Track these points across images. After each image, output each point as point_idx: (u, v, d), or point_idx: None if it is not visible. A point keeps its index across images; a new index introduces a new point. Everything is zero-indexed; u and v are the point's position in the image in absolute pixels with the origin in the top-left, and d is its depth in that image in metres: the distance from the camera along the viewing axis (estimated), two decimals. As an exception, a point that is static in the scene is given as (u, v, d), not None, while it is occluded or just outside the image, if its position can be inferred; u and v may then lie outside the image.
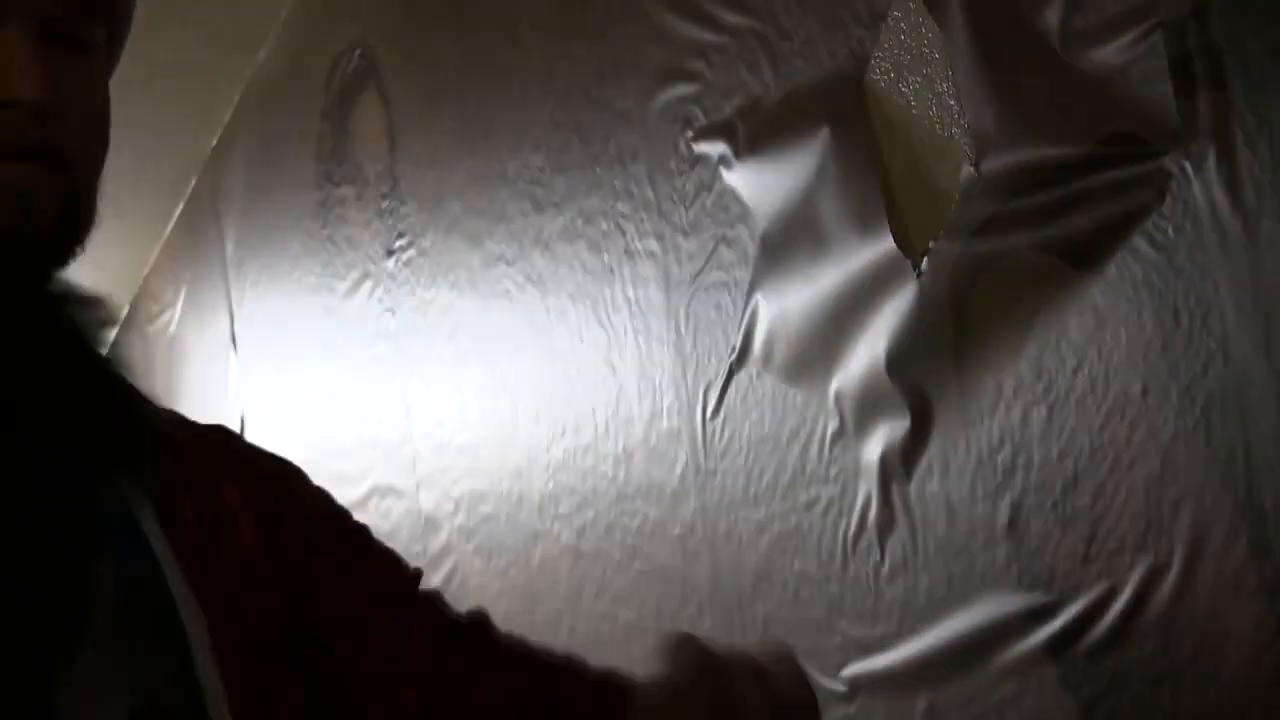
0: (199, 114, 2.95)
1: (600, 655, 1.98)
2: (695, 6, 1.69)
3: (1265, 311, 1.12)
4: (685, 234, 1.74)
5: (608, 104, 1.92)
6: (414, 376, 2.51)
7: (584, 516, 1.99)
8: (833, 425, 1.49)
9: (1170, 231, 1.19)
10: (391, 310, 2.60)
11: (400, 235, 2.57)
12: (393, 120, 2.60)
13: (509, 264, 2.16)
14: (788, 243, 1.55)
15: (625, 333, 1.90)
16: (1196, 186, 1.16)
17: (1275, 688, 1.10)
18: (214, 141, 3.43)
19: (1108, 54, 1.21)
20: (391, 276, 2.60)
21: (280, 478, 1.15)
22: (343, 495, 2.66)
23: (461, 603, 2.22)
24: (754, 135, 1.60)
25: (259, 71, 3.20)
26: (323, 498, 1.17)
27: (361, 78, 2.71)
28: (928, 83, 1.38)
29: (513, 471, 2.16)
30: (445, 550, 2.34)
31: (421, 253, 2.46)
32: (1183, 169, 1.17)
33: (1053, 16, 1.25)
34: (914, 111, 1.41)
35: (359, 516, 1.34)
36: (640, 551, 1.86)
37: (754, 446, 1.65)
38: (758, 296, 1.58)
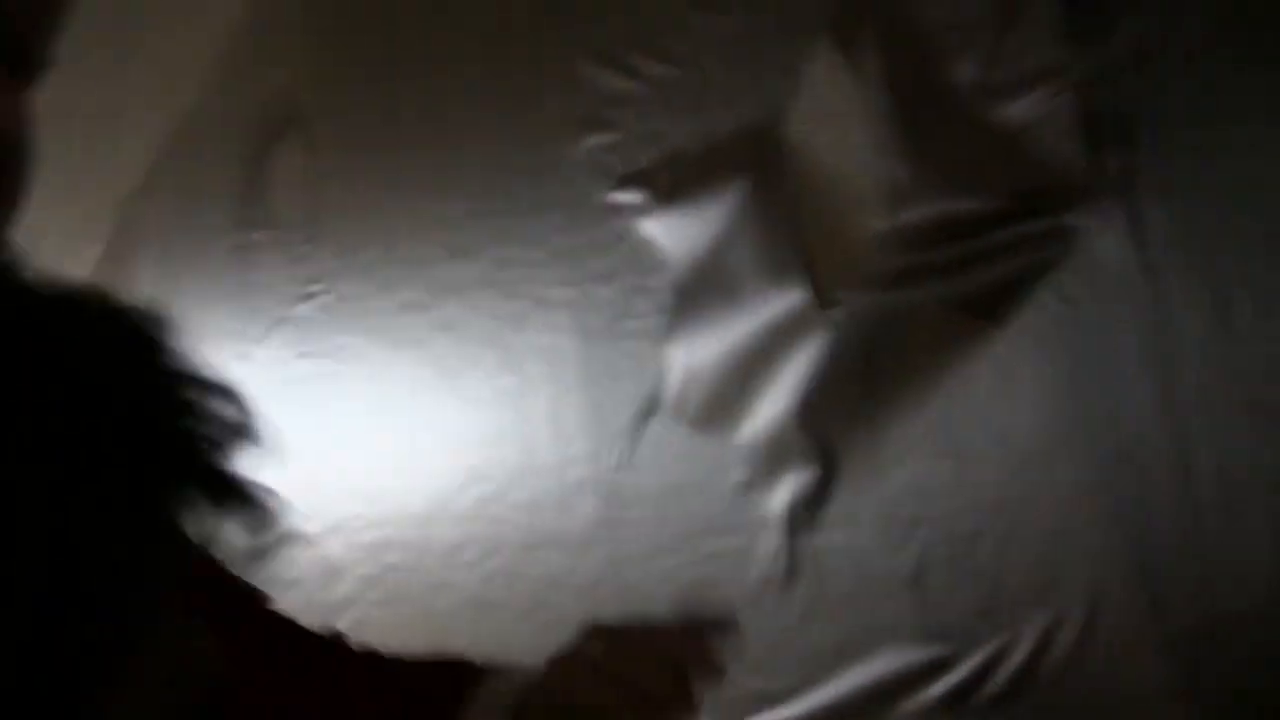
0: (119, 156, 2.93)
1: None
2: (618, 57, 1.70)
3: (1166, 368, 1.16)
4: (600, 282, 1.74)
5: (529, 153, 1.91)
6: (326, 422, 2.47)
7: (489, 565, 1.97)
8: (741, 476, 1.51)
9: (1077, 286, 1.22)
10: (305, 355, 2.55)
11: (316, 280, 2.55)
12: (316, 166, 2.60)
13: (423, 310, 2.14)
14: (702, 292, 1.58)
15: (537, 380, 1.88)
16: (1103, 243, 1.20)
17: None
18: (134, 185, 3.42)
19: (1020, 110, 1.25)
20: (307, 321, 2.57)
21: None
22: (247, 539, 2.62)
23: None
24: (672, 185, 1.62)
25: (184, 115, 3.17)
26: None
27: (286, 124, 2.69)
28: (844, 135, 1.42)
29: (420, 518, 2.14)
30: (347, 601, 2.31)
31: (339, 298, 2.43)
32: (1090, 225, 1.21)
33: (966, 73, 1.29)
34: (830, 163, 1.43)
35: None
36: (546, 601, 1.85)
37: (663, 496, 1.65)
38: (672, 346, 1.60)
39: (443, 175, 2.15)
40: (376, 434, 2.31)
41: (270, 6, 2.90)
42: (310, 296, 2.57)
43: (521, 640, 1.79)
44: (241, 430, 0.86)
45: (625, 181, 1.68)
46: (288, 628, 1.15)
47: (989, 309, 1.27)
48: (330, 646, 1.16)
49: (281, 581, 1.27)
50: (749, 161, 1.49)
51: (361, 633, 2.19)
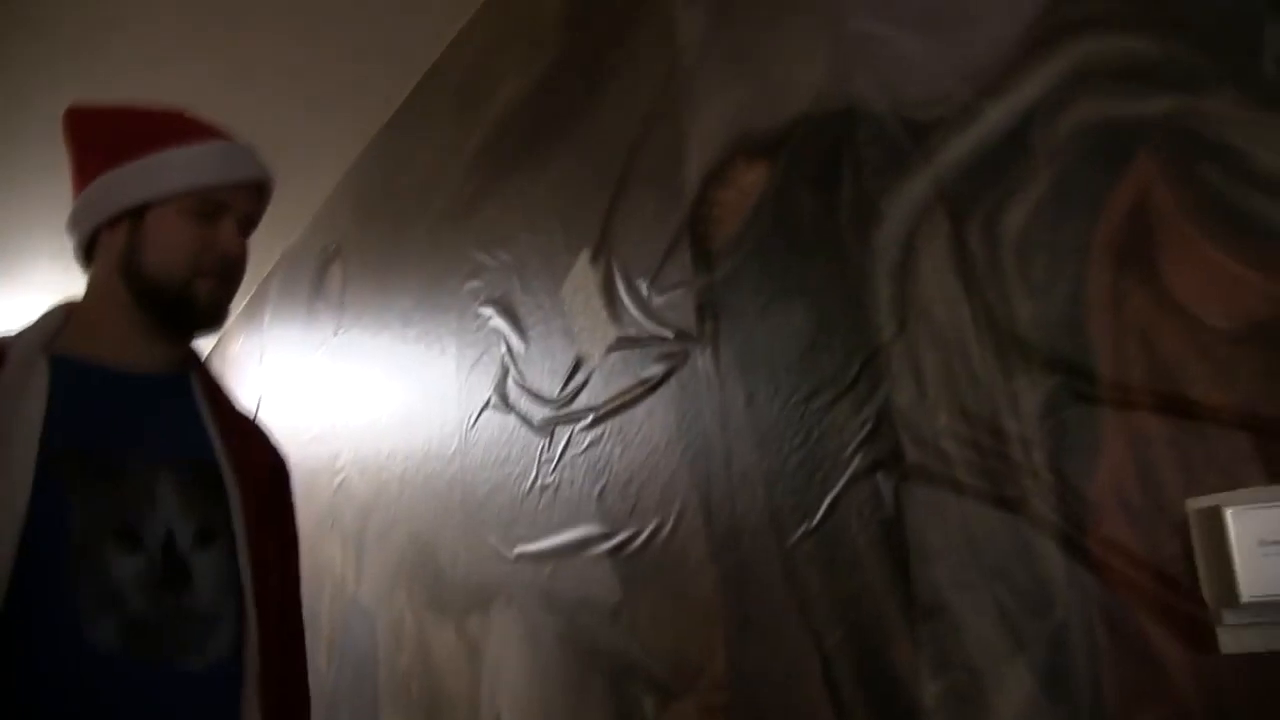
0: (256, 266, 3.00)
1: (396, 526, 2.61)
2: (488, 248, 2.25)
3: (723, 418, 1.47)
4: (471, 346, 2.28)
5: (443, 283, 2.46)
6: (343, 389, 3.06)
7: (408, 465, 2.54)
8: (530, 434, 2.02)
9: (688, 378, 1.58)
10: (336, 358, 3.13)
11: (343, 324, 3.13)
12: (346, 277, 3.14)
13: (394, 343, 2.69)
14: (529, 358, 2.02)
15: (439, 386, 2.40)
16: (701, 361, 1.55)
17: (715, 595, 1.47)
18: (260, 280, 4.10)
19: (665, 301, 1.65)
20: (337, 343, 3.15)
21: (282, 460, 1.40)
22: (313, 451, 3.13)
23: (347, 499, 2.76)
24: (509, 307, 2.15)
25: (289, 248, 3.79)
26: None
27: (333, 257, 3.29)
28: (589, 297, 1.82)
29: (376, 443, 2.76)
30: (344, 468, 2.94)
31: (353, 335, 3.03)
32: (697, 350, 1.55)
33: (645, 288, 1.69)
34: (579, 305, 1.84)
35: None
36: (427, 486, 2.44)
37: (489, 444, 2.15)
38: (508, 372, 2.14)
39: (404, 289, 2.76)
40: (370, 407, 2.96)
41: (329, 202, 3.41)
42: (339, 332, 3.27)
43: (413, 501, 2.48)
44: None
45: (487, 302, 2.22)
46: None
47: (651, 388, 1.65)
48: None
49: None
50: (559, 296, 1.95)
51: (346, 482, 3.01)
